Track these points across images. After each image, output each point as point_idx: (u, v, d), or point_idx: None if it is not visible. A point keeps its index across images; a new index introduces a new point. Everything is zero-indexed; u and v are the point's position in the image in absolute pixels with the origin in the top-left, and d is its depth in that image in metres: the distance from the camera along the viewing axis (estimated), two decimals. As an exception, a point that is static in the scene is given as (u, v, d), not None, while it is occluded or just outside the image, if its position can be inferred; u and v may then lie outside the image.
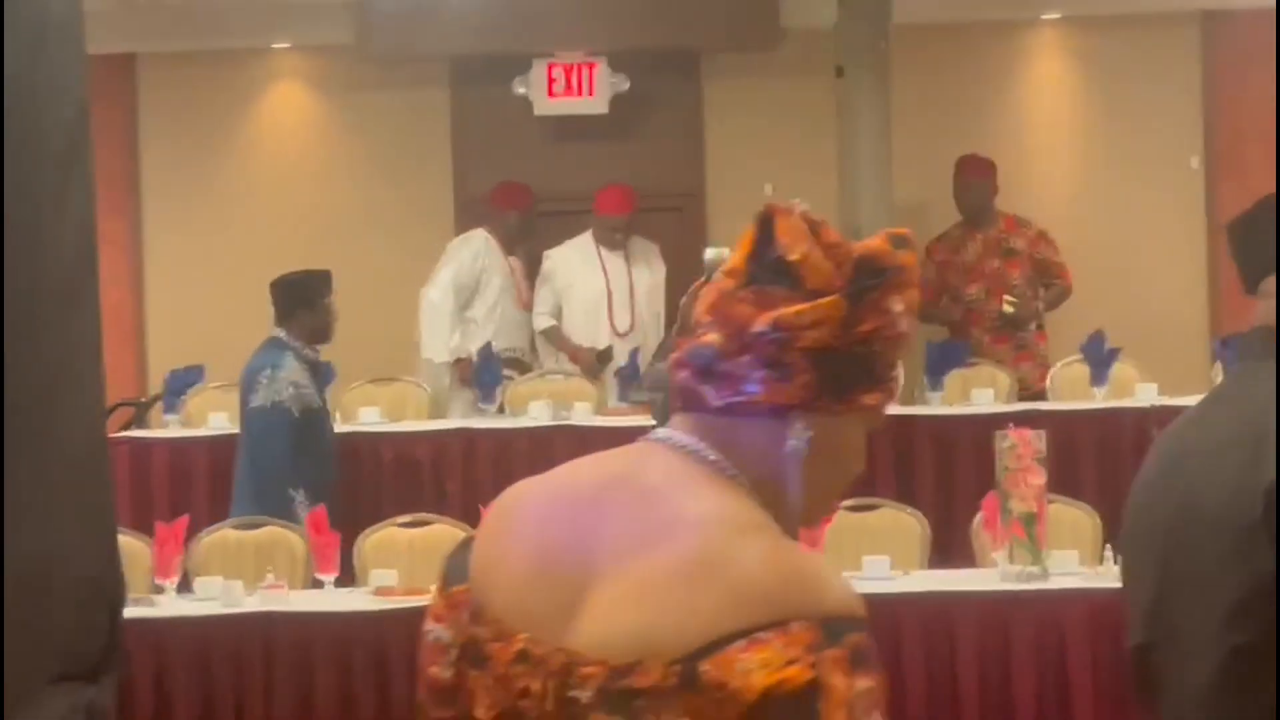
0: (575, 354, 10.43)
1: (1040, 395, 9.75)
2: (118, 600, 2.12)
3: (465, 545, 2.13)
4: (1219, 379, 9.85)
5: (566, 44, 11.13)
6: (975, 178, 10.54)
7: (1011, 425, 6.61)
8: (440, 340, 10.32)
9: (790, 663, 1.87)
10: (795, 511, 2.03)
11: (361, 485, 8.71)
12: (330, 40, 11.29)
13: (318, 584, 6.88)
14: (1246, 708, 2.30)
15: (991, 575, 6.61)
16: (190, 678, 6.31)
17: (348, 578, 7.07)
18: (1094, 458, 8.63)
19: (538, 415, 9.13)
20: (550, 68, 11.15)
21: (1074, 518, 7.28)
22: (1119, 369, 9.33)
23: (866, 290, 2.01)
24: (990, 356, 10.09)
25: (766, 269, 2.03)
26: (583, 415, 9.15)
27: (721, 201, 11.52)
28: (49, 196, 2.03)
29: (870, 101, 10.62)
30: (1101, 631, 6.24)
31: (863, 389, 2.03)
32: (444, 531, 7.42)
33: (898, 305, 2.02)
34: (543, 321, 10.57)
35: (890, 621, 6.15)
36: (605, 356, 10.30)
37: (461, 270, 10.48)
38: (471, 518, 7.26)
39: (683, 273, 10.33)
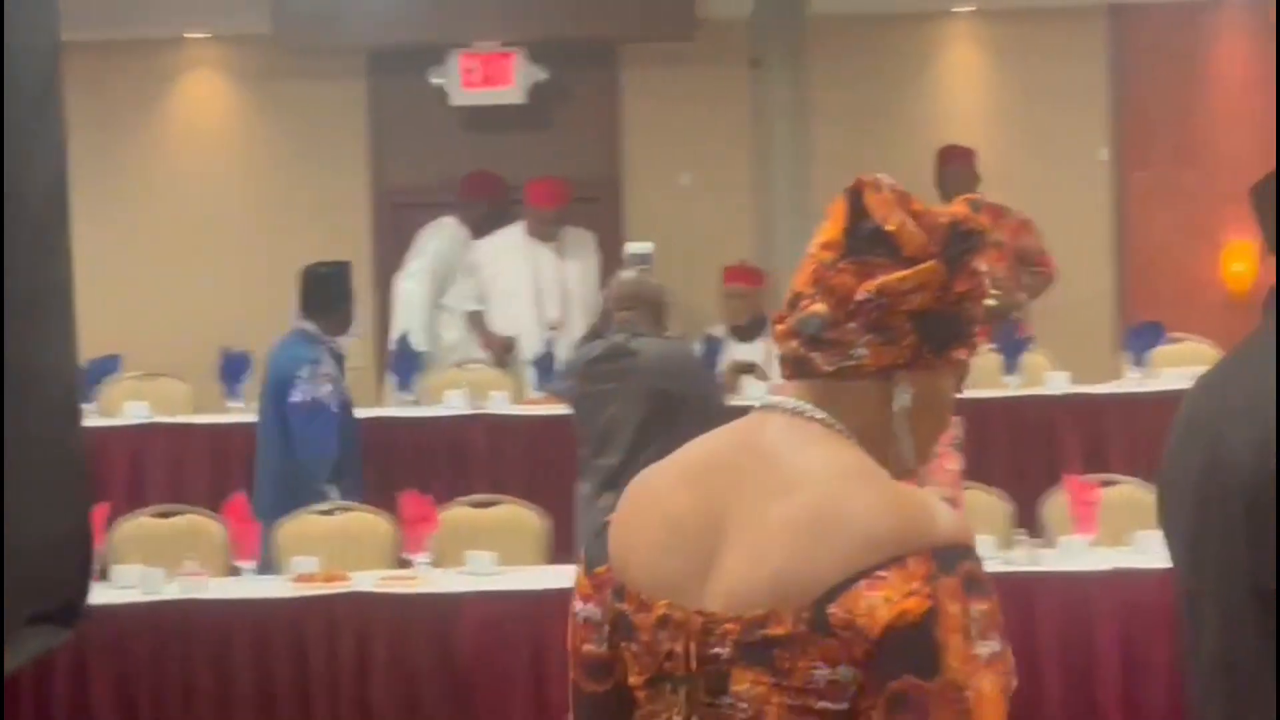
0: (488, 341, 10.42)
1: None
2: (88, 551, 2.16)
3: (603, 530, 2.27)
4: (1126, 368, 9.86)
5: (482, 34, 11.15)
6: (957, 166, 10.20)
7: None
8: (414, 330, 10.27)
9: (909, 595, 2.00)
10: (900, 463, 2.18)
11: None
12: (247, 30, 11.26)
13: (236, 571, 6.89)
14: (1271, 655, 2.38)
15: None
16: (109, 665, 6.31)
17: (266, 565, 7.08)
18: (1006, 445, 8.72)
19: (455, 404, 9.14)
20: (466, 58, 11.17)
21: (987, 503, 7.36)
22: (1029, 358, 9.40)
23: (961, 254, 2.17)
24: None
25: (864, 240, 2.17)
26: (499, 404, 9.17)
27: (638, 191, 11.57)
28: (25, 136, 2.05)
29: (786, 92, 10.68)
30: (1013, 615, 6.32)
31: (957, 345, 2.19)
32: (361, 519, 7.44)
33: (982, 266, 2.20)
34: (467, 304, 10.55)
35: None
36: (509, 345, 10.30)
37: (439, 258, 10.49)
38: (389, 506, 7.27)
39: (601, 261, 10.39)
